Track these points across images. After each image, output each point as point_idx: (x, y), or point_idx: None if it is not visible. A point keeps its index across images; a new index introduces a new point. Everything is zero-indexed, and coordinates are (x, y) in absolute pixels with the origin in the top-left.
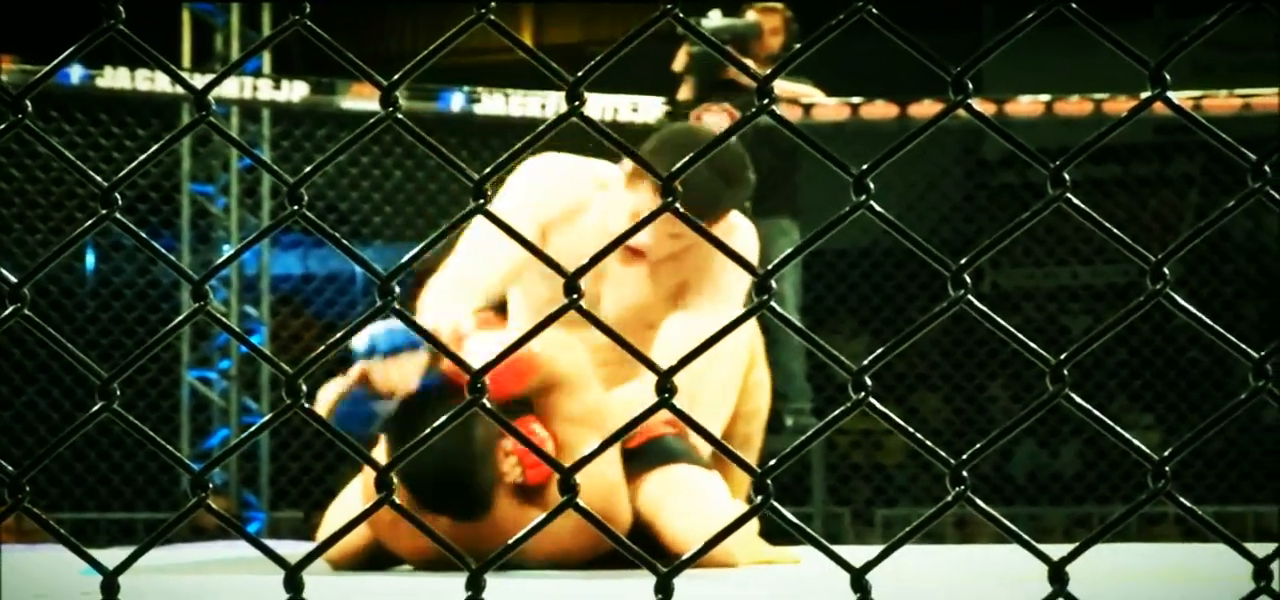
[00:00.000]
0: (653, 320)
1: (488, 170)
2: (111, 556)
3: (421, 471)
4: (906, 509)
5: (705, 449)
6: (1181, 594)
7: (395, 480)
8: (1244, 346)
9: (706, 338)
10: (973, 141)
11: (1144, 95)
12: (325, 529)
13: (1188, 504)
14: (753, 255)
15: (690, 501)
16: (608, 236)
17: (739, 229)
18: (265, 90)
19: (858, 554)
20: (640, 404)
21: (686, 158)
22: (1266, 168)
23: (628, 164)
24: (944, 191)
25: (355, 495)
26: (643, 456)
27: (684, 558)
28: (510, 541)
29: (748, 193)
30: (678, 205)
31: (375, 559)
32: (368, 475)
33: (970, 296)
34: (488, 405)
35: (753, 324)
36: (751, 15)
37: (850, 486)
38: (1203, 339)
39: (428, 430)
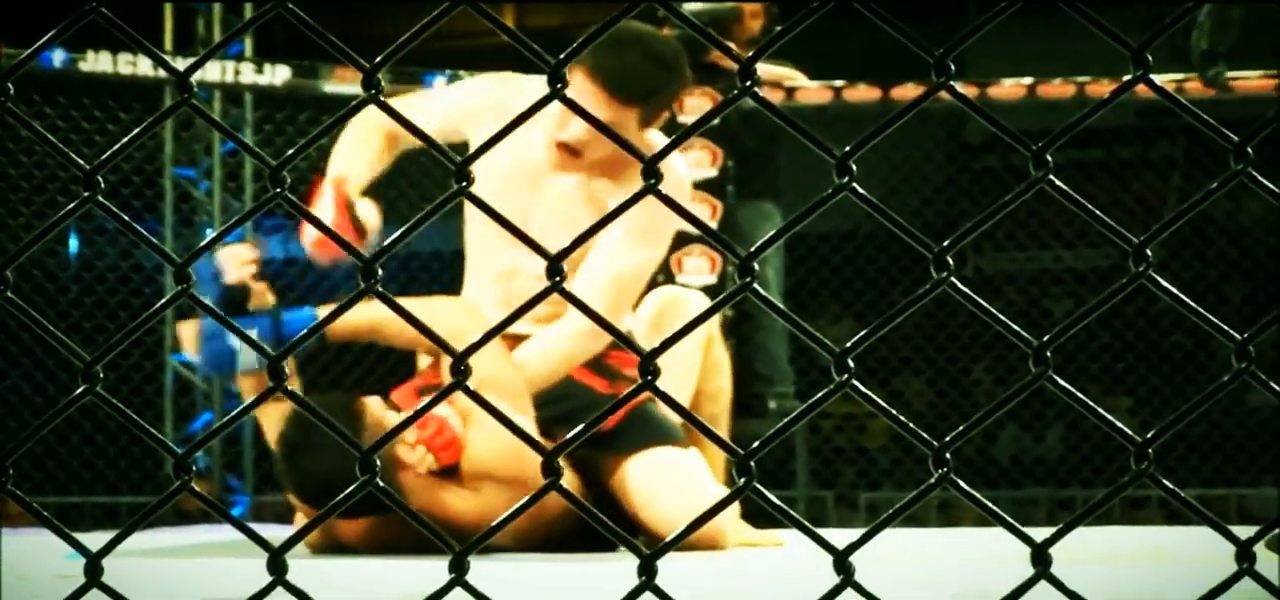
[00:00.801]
0: (571, 226)
1: (471, 153)
2: (96, 540)
3: (314, 485)
4: (890, 492)
5: (678, 419)
6: (1165, 576)
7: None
8: (1227, 329)
9: (693, 318)
10: (955, 125)
11: (1126, 78)
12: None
13: (1171, 486)
14: (683, 187)
15: (683, 492)
16: (529, 149)
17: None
18: (247, 74)
19: (841, 537)
20: (554, 352)
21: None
22: (1248, 150)
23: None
24: (926, 175)
25: None
26: (625, 436)
27: (666, 541)
28: (494, 524)
29: (681, 84)
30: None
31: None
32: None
33: (953, 279)
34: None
35: (702, 302)
36: None
37: (834, 470)
38: (1186, 322)
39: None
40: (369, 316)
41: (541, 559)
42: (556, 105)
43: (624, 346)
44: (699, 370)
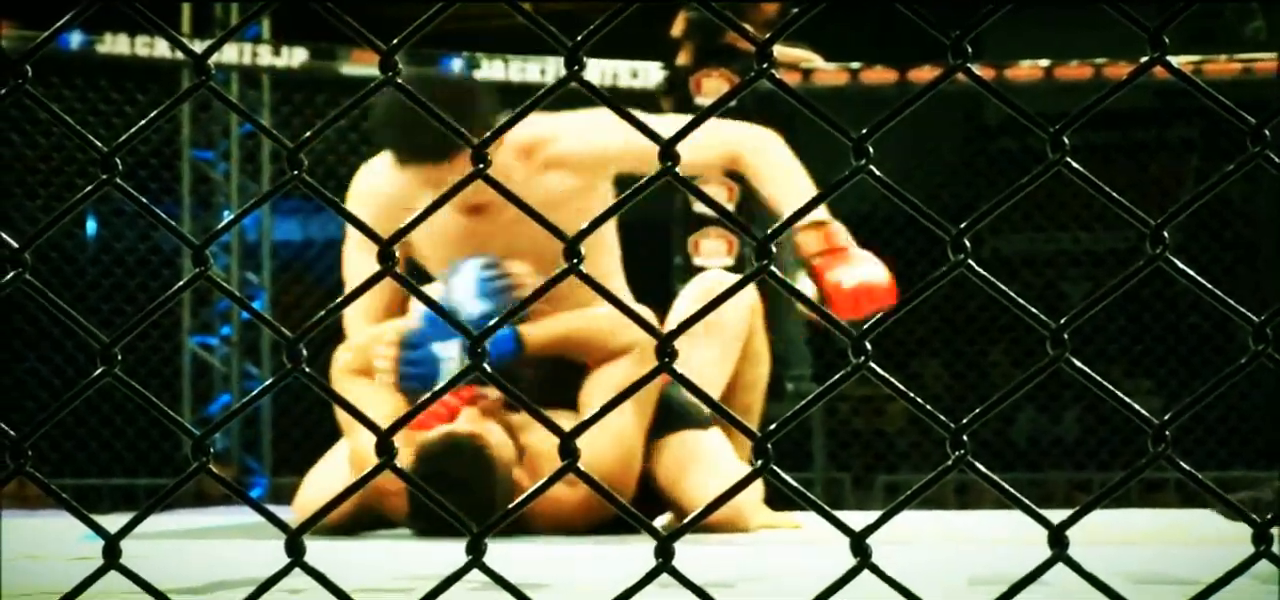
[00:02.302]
0: (530, 241)
1: (488, 135)
2: (114, 522)
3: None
4: (908, 475)
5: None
6: (1181, 557)
7: (395, 446)
8: (1243, 310)
9: (712, 299)
10: (973, 106)
11: (1143, 59)
12: (305, 493)
13: (1188, 468)
14: (611, 127)
15: (709, 474)
16: (444, 220)
17: (550, 137)
18: (265, 56)
19: (858, 519)
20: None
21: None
22: (1266, 132)
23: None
24: (944, 157)
25: (340, 461)
26: (653, 419)
27: (683, 523)
28: (512, 505)
29: (486, 104)
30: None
31: (359, 523)
32: (362, 441)
33: (970, 261)
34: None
35: (753, 292)
36: None
37: (851, 452)
38: (1203, 304)
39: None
40: (565, 327)
41: (563, 542)
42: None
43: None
44: (738, 357)
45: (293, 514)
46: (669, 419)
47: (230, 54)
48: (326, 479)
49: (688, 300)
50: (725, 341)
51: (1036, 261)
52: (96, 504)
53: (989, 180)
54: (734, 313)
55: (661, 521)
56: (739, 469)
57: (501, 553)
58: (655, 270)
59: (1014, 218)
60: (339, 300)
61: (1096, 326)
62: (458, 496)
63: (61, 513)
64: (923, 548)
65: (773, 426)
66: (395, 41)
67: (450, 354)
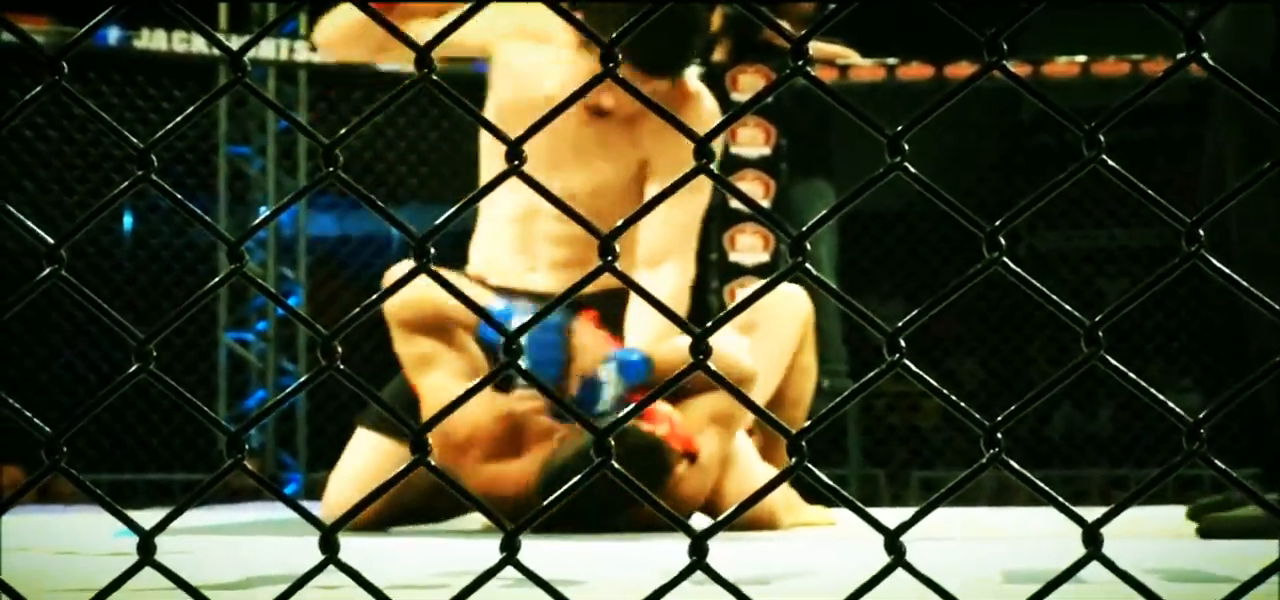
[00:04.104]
0: (615, 203)
1: (523, 132)
2: (149, 517)
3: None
4: (943, 471)
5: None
6: (1216, 554)
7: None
8: (1277, 306)
9: (745, 298)
10: (1009, 103)
11: (1180, 56)
12: (331, 496)
13: (1222, 466)
14: (715, 120)
15: (742, 474)
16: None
17: (699, 94)
18: (302, 52)
19: (893, 516)
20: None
21: (630, 19)
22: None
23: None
24: (981, 153)
25: (364, 458)
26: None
27: (717, 520)
28: (542, 505)
29: (702, 47)
30: (621, 70)
31: (388, 520)
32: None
33: (1005, 259)
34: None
35: (805, 304)
36: None
37: (886, 448)
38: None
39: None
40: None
41: (599, 539)
42: (585, 60)
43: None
44: (785, 369)
45: (322, 509)
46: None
47: (267, 50)
48: (351, 482)
49: (750, 312)
50: (773, 352)
51: (1073, 258)
52: (131, 499)
53: (1026, 176)
54: (785, 324)
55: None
56: (770, 470)
57: (533, 550)
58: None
59: (1050, 214)
60: (375, 297)
61: (1133, 323)
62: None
63: (96, 508)
64: (957, 544)
65: (808, 424)
66: (430, 39)
67: (609, 378)
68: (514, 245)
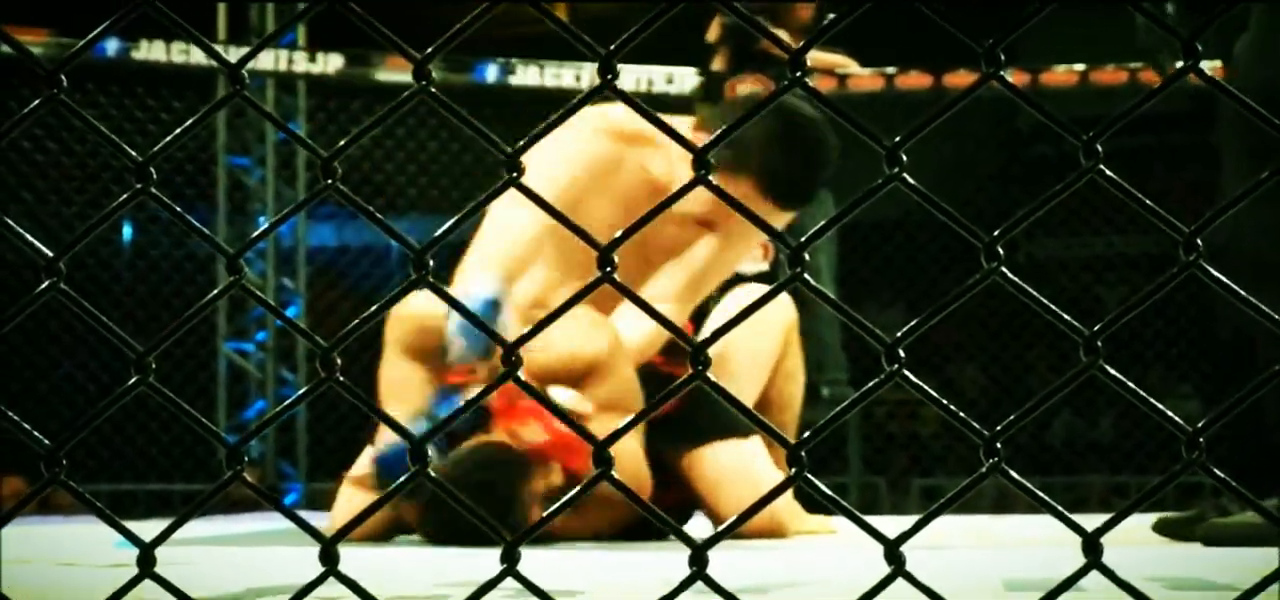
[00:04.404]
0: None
1: (521, 143)
2: (148, 527)
3: (455, 522)
4: (943, 478)
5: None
6: (1217, 561)
7: (431, 453)
8: (1276, 316)
9: (743, 308)
10: (1007, 112)
11: (1177, 65)
12: (340, 505)
13: (1222, 475)
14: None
15: (745, 484)
16: (655, 196)
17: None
18: (300, 63)
19: (894, 523)
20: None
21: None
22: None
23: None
24: (979, 162)
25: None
26: (692, 425)
27: (717, 531)
28: (544, 515)
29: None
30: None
31: (390, 533)
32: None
33: (1003, 269)
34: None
35: (789, 310)
36: None
37: (886, 456)
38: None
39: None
40: (556, 355)
41: (600, 548)
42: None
43: (685, 328)
44: (770, 370)
45: (328, 525)
46: (711, 427)
47: (266, 61)
48: (355, 489)
49: (724, 313)
50: (756, 358)
51: (1072, 265)
52: (131, 509)
53: (1024, 185)
54: (767, 329)
55: (693, 526)
56: (777, 478)
57: (533, 560)
58: None
59: (1049, 222)
60: (374, 308)
61: (1133, 331)
62: (483, 504)
63: (96, 519)
64: (958, 553)
65: (807, 434)
66: (428, 51)
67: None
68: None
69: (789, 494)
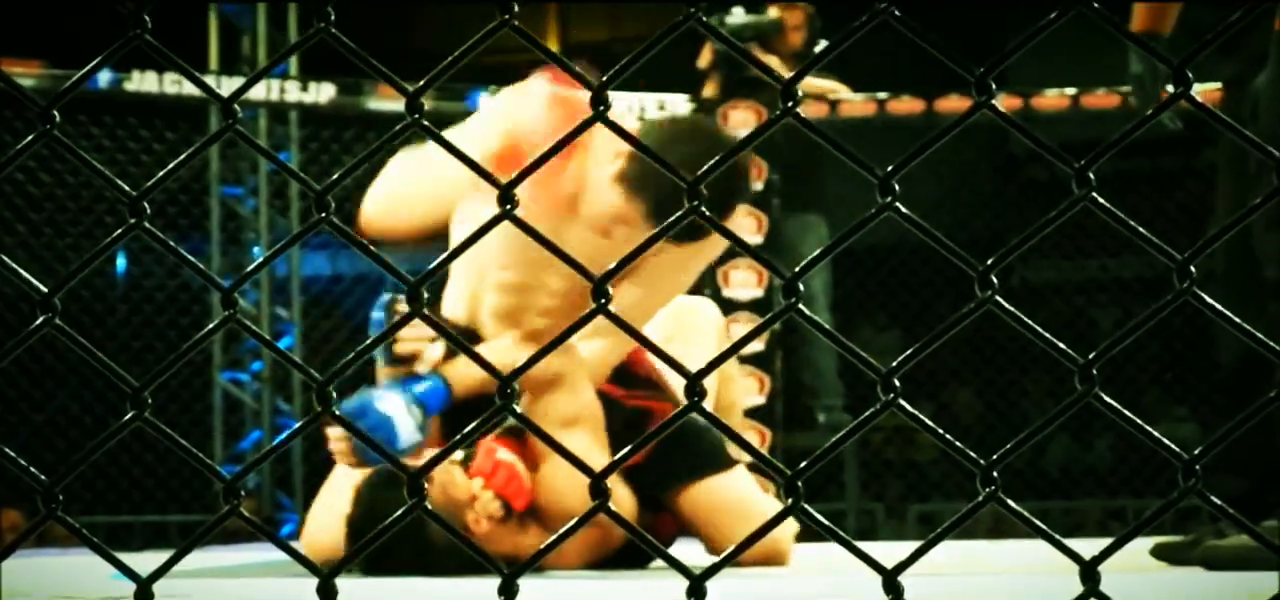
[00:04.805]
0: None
1: (515, 175)
2: (145, 559)
3: (388, 556)
4: (940, 504)
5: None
6: (1216, 585)
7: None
8: (1271, 344)
9: (734, 342)
10: (1000, 137)
11: (1169, 90)
12: (310, 531)
13: (1218, 502)
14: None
15: (740, 517)
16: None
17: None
18: (293, 92)
19: (891, 550)
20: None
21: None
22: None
23: (618, 144)
24: (973, 187)
25: (341, 491)
26: (673, 461)
27: (715, 561)
28: (543, 547)
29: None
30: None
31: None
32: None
33: (998, 297)
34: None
35: (715, 312)
36: (773, 12)
37: (883, 482)
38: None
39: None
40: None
41: (595, 577)
42: (608, 185)
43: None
44: (717, 381)
45: (301, 547)
46: (696, 463)
47: (258, 91)
48: (329, 513)
49: (661, 330)
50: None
51: (1066, 289)
52: (128, 541)
53: (1018, 209)
54: (702, 336)
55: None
56: (773, 505)
57: (531, 591)
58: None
59: (1042, 245)
60: (370, 341)
61: (1128, 354)
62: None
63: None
64: (955, 579)
65: (804, 464)
66: (420, 82)
67: (395, 410)
68: (499, 314)
69: (790, 520)
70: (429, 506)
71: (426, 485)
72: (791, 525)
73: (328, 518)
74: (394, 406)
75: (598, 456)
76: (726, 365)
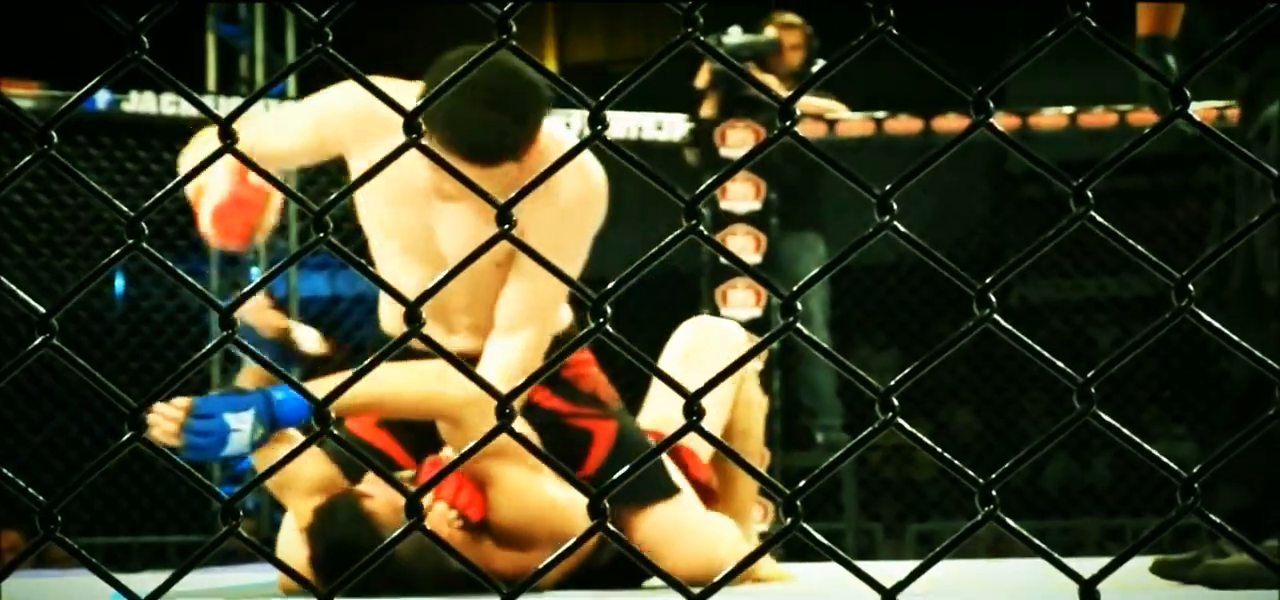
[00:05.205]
0: (497, 259)
1: (513, 196)
2: (143, 580)
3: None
4: (939, 523)
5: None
6: None
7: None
8: (1269, 361)
9: (732, 361)
10: (998, 155)
11: (1169, 108)
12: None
13: (1218, 520)
14: (581, 173)
15: (693, 541)
16: (411, 172)
17: (550, 147)
18: None
19: (889, 570)
20: (510, 371)
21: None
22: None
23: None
24: (971, 205)
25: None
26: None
27: (713, 582)
28: (541, 566)
29: (541, 117)
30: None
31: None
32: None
33: (996, 316)
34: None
35: (739, 338)
36: (771, 31)
37: (882, 502)
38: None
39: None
40: (368, 390)
41: (588, 595)
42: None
43: (574, 359)
44: (731, 404)
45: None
46: (645, 489)
47: (256, 110)
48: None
49: (679, 346)
50: (716, 391)
51: (1064, 308)
52: (126, 563)
53: (1017, 228)
54: (721, 357)
55: None
56: (722, 524)
57: None
58: (683, 321)
59: (1041, 264)
60: (367, 362)
61: (1127, 373)
62: (347, 558)
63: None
64: (955, 598)
65: (802, 484)
66: (417, 105)
67: (242, 426)
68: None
69: (741, 540)
70: (382, 526)
71: (371, 504)
72: (738, 542)
73: (290, 531)
74: (241, 421)
75: (542, 476)
76: (748, 388)
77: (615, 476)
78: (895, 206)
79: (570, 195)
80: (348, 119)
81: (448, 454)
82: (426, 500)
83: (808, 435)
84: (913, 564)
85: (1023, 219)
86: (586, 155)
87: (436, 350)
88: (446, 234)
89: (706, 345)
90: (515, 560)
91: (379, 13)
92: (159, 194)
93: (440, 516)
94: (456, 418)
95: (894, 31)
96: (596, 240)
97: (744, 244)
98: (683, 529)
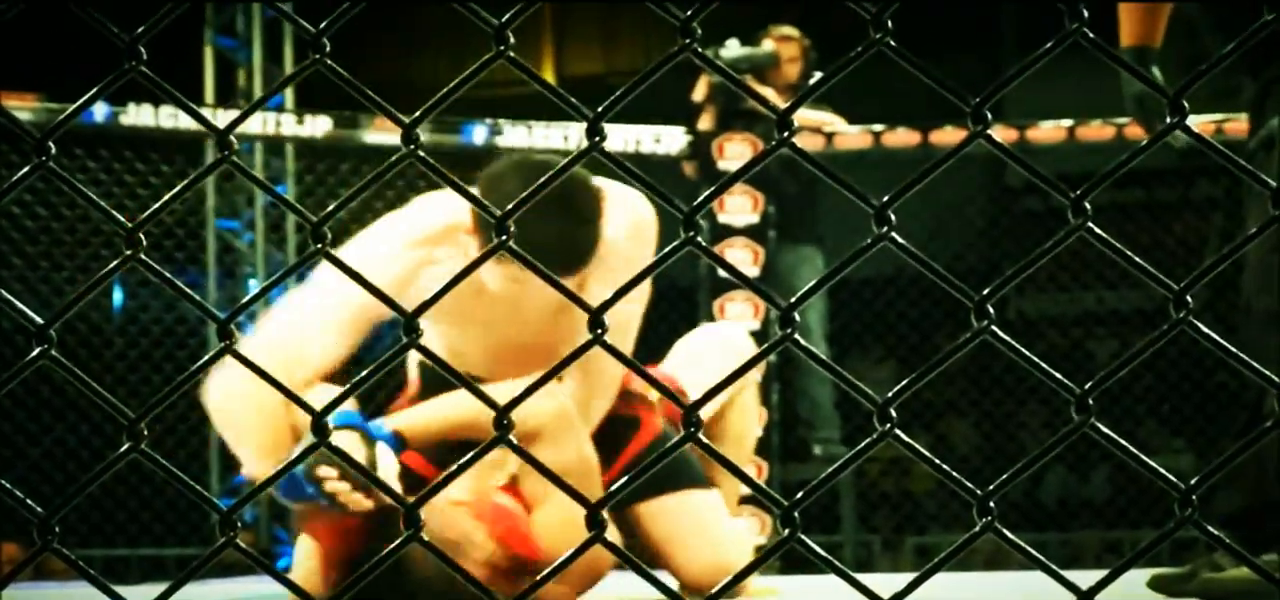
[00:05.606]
0: (555, 332)
1: (510, 207)
2: (142, 593)
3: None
4: (937, 536)
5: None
6: None
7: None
8: (1267, 373)
9: (732, 371)
10: (996, 167)
11: (1168, 120)
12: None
13: (1215, 531)
14: (625, 205)
15: (705, 541)
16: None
17: (621, 203)
18: (288, 125)
19: (887, 582)
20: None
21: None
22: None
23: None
24: (968, 218)
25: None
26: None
27: (714, 592)
28: (544, 573)
29: (601, 210)
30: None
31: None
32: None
33: (994, 327)
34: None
35: (741, 345)
36: (769, 44)
37: (880, 514)
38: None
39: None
40: (457, 414)
41: None
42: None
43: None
44: (724, 407)
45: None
46: (671, 476)
47: (254, 124)
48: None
49: (685, 352)
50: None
51: (1062, 322)
52: (124, 575)
53: (1014, 240)
54: (719, 363)
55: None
56: (734, 528)
57: None
58: (683, 334)
59: (1039, 278)
60: (364, 373)
61: (1124, 385)
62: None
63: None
64: None
65: (799, 495)
66: (416, 115)
67: (386, 458)
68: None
69: (748, 546)
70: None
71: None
72: (747, 548)
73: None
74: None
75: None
76: (745, 394)
77: (637, 469)
78: (893, 218)
79: (617, 231)
80: (444, 232)
81: (498, 495)
82: (478, 535)
83: (805, 447)
84: (911, 576)
85: (1020, 232)
86: (627, 189)
87: (439, 364)
88: (504, 318)
89: (713, 353)
90: (565, 592)
91: (379, 14)
92: (157, 205)
93: (481, 547)
94: (539, 430)
95: (892, 43)
96: None
97: (742, 257)
98: (710, 521)
